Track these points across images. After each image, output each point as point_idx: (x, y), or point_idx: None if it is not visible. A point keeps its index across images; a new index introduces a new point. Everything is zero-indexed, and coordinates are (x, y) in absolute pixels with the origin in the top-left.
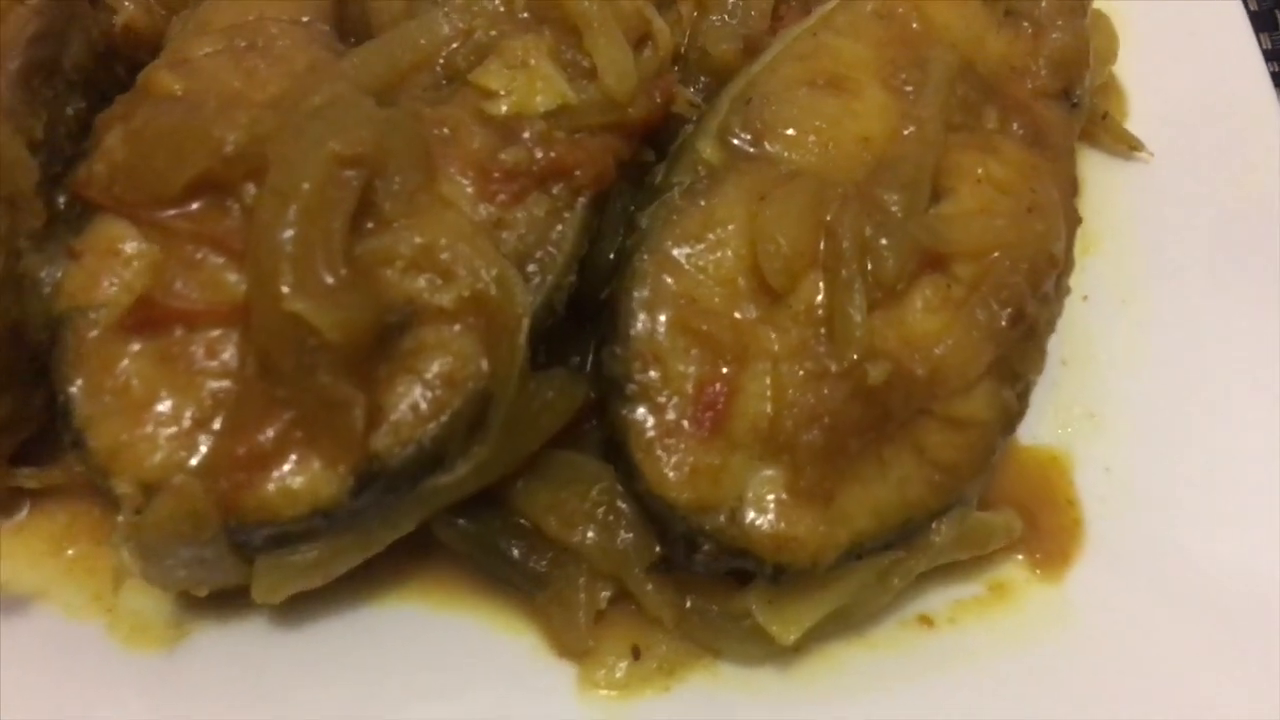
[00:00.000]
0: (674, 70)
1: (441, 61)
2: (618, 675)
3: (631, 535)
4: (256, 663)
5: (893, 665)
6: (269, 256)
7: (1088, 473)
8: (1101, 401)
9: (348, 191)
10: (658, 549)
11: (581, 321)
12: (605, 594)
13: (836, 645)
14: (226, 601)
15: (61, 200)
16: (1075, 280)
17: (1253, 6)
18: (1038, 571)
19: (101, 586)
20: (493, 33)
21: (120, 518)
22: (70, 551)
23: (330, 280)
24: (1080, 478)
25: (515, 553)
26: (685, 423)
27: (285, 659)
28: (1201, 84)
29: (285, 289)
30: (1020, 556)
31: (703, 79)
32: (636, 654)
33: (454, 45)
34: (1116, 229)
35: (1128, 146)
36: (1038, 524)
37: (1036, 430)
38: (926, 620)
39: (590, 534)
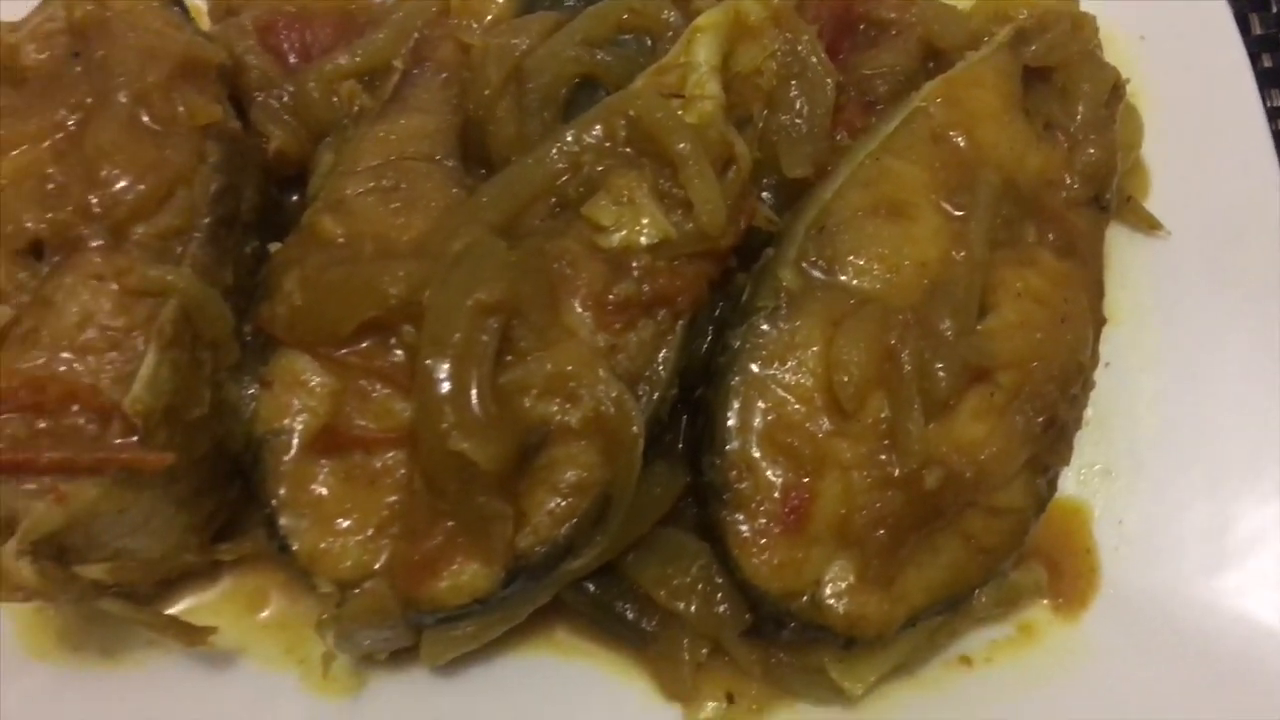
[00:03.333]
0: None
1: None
2: (715, 715)
3: (726, 605)
4: (422, 704)
5: (938, 702)
6: (432, 401)
7: (1104, 524)
8: (1118, 460)
9: (491, 335)
10: (748, 617)
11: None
12: (704, 650)
13: (893, 685)
14: (396, 655)
15: (246, 330)
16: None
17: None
18: (1059, 613)
19: (292, 641)
20: (599, 167)
21: (323, 615)
22: (264, 613)
23: (483, 418)
24: (1097, 529)
25: (629, 614)
26: (774, 524)
27: (445, 701)
28: (1215, 164)
29: (447, 428)
30: (1045, 601)
31: (772, 178)
32: (730, 699)
33: (565, 178)
34: (1136, 301)
35: (1148, 226)
36: (1060, 569)
37: (1060, 484)
38: (966, 660)
39: (693, 606)
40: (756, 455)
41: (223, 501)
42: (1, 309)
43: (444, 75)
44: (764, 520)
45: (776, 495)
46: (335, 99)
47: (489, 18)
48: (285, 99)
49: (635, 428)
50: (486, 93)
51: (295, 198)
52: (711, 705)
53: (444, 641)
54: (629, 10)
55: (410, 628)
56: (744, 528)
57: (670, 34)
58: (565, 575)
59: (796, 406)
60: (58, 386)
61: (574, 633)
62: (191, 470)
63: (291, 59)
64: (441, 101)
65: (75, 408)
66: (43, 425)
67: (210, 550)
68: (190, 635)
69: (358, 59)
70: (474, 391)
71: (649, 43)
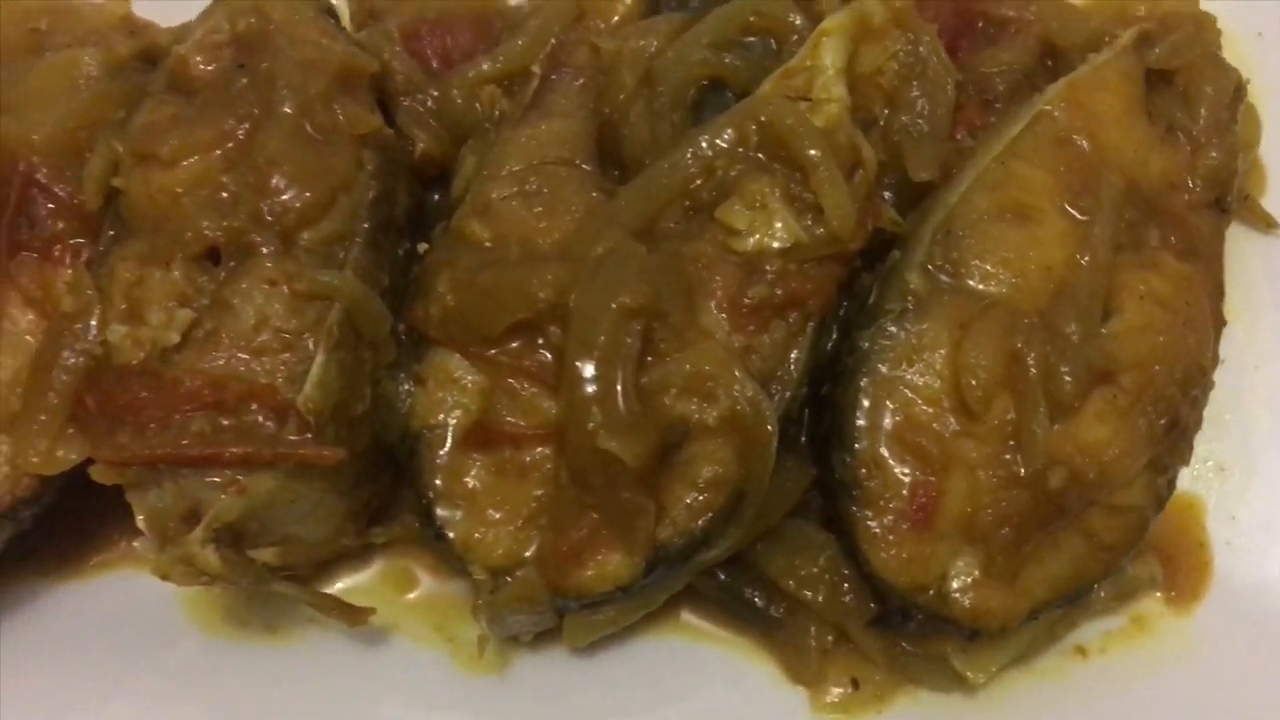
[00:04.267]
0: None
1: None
2: (840, 700)
3: (852, 595)
4: (561, 682)
5: (1054, 691)
6: (580, 401)
7: (1217, 519)
8: (1232, 456)
9: (635, 337)
10: (872, 606)
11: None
12: (829, 637)
13: (1012, 674)
14: (538, 636)
15: (400, 329)
16: None
17: None
18: (1171, 606)
19: (440, 620)
20: (732, 172)
21: (479, 600)
22: (412, 594)
23: (628, 417)
24: (1210, 523)
25: (757, 601)
26: (902, 521)
27: (583, 679)
28: None
29: (595, 427)
30: (1158, 594)
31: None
32: (855, 684)
33: (698, 182)
34: (1250, 298)
35: (1264, 224)
36: (1174, 563)
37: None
38: (1081, 651)
39: (820, 595)
40: (885, 454)
41: (377, 490)
42: (184, 312)
43: (580, 80)
44: (892, 517)
45: (905, 493)
46: (477, 104)
47: (615, 19)
48: (430, 104)
49: (770, 426)
50: (621, 97)
51: (436, 197)
52: (836, 690)
53: (585, 625)
54: (755, 13)
55: (554, 612)
56: (873, 524)
57: (795, 37)
58: (699, 564)
59: (924, 407)
60: (238, 386)
61: (702, 617)
62: (353, 462)
63: (433, 63)
64: (579, 105)
65: (254, 406)
66: (226, 422)
67: (365, 534)
68: (352, 615)
69: (499, 64)
70: (619, 391)
71: (773, 45)
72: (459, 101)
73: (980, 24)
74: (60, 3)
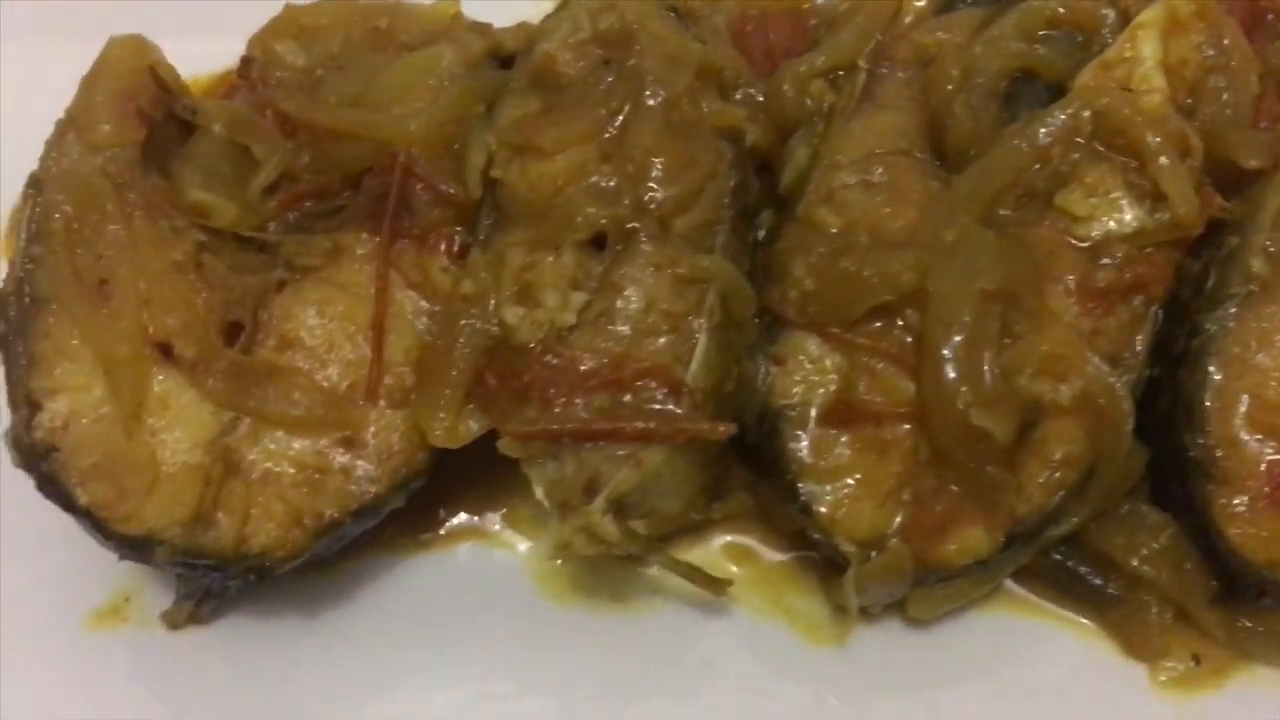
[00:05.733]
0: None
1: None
2: (1180, 675)
3: (1193, 573)
4: (902, 652)
5: None
6: (950, 380)
7: None
8: None
9: (995, 319)
10: (1214, 584)
11: None
12: (1169, 614)
13: None
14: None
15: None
16: None
17: None
18: None
19: (776, 594)
20: (1068, 160)
21: (850, 570)
22: (747, 569)
23: (996, 394)
24: None
25: (1095, 580)
26: (1259, 499)
27: (923, 650)
28: None
29: (966, 405)
30: None
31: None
32: (1197, 660)
33: (1035, 169)
34: None
35: None
36: None
37: None
38: None
39: (1163, 573)
40: (1241, 434)
41: (723, 467)
42: (578, 295)
43: (904, 73)
44: (1249, 495)
45: (1262, 471)
46: (806, 98)
47: (909, 17)
48: (758, 97)
49: (1126, 406)
50: (949, 88)
51: None
52: (1174, 665)
53: (934, 598)
54: (1065, 6)
55: (910, 584)
56: (1230, 502)
57: (1105, 30)
58: (1045, 541)
59: (1277, 387)
60: (635, 364)
61: (1032, 593)
62: (712, 440)
63: (754, 58)
64: (907, 98)
65: (652, 383)
66: (626, 399)
67: (708, 510)
68: (715, 585)
69: (828, 59)
70: (986, 371)
71: (1078, 38)
72: (789, 94)
73: (1270, 17)
74: (394, 4)
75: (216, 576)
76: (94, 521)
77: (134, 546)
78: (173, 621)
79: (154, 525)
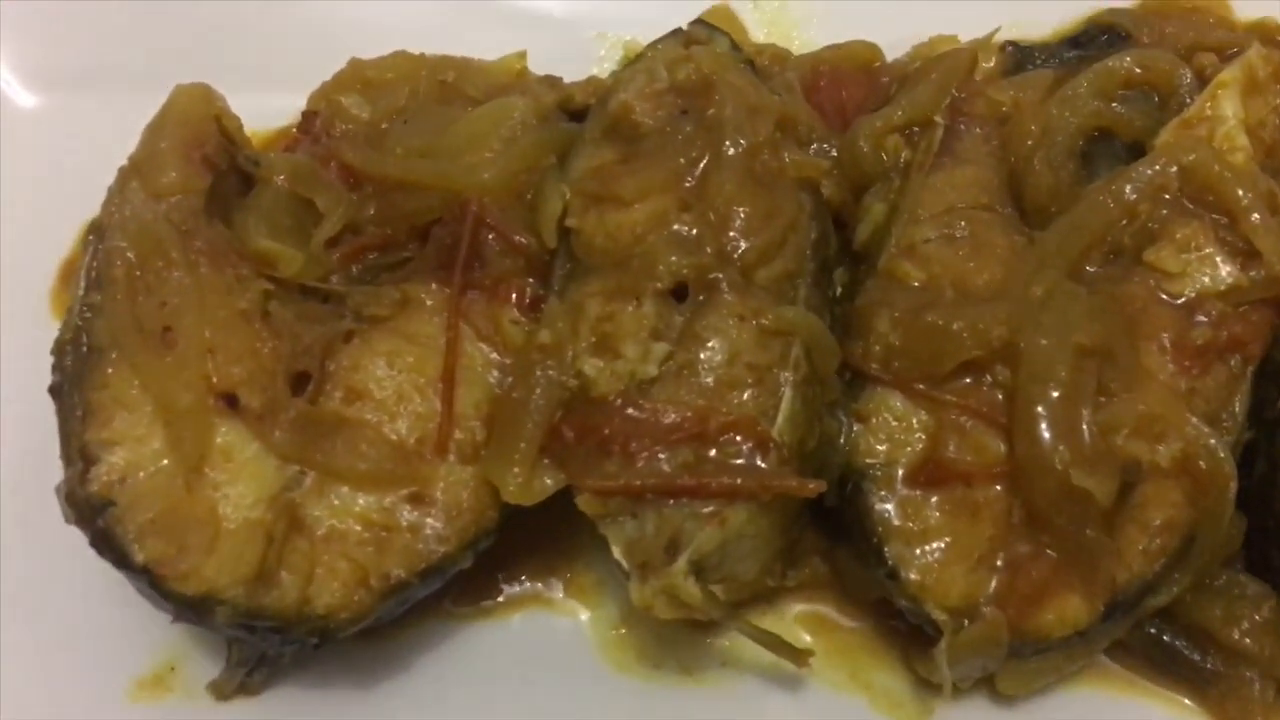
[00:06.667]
0: None
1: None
2: None
3: None
4: None
5: None
6: (1047, 439)
7: None
8: None
9: (1091, 376)
10: None
11: None
12: (1271, 692)
13: None
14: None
15: None
16: None
17: None
18: None
19: (854, 667)
20: (1156, 216)
21: (943, 641)
22: (823, 640)
23: (1095, 454)
24: None
25: (1192, 654)
26: None
27: None
28: None
29: (1065, 465)
30: None
31: None
32: None
33: (1123, 225)
34: None
35: None
36: None
37: None
38: None
39: (1266, 647)
40: None
41: (799, 531)
42: (660, 345)
43: (981, 129)
44: None
45: None
46: (882, 153)
47: (979, 77)
48: (832, 151)
49: (1229, 469)
50: (1029, 143)
51: None
52: None
53: (1025, 673)
54: (1140, 65)
55: (1002, 659)
56: None
57: (1182, 90)
58: (1143, 611)
59: None
60: (720, 417)
61: (1126, 668)
62: (796, 500)
63: (826, 114)
64: (986, 154)
65: (737, 437)
66: (711, 453)
67: (782, 577)
68: (797, 655)
69: (905, 113)
70: (1085, 429)
71: (1155, 98)
72: (864, 149)
73: None
74: (461, 59)
75: (275, 640)
76: (151, 580)
77: (193, 607)
78: (221, 692)
79: (215, 584)
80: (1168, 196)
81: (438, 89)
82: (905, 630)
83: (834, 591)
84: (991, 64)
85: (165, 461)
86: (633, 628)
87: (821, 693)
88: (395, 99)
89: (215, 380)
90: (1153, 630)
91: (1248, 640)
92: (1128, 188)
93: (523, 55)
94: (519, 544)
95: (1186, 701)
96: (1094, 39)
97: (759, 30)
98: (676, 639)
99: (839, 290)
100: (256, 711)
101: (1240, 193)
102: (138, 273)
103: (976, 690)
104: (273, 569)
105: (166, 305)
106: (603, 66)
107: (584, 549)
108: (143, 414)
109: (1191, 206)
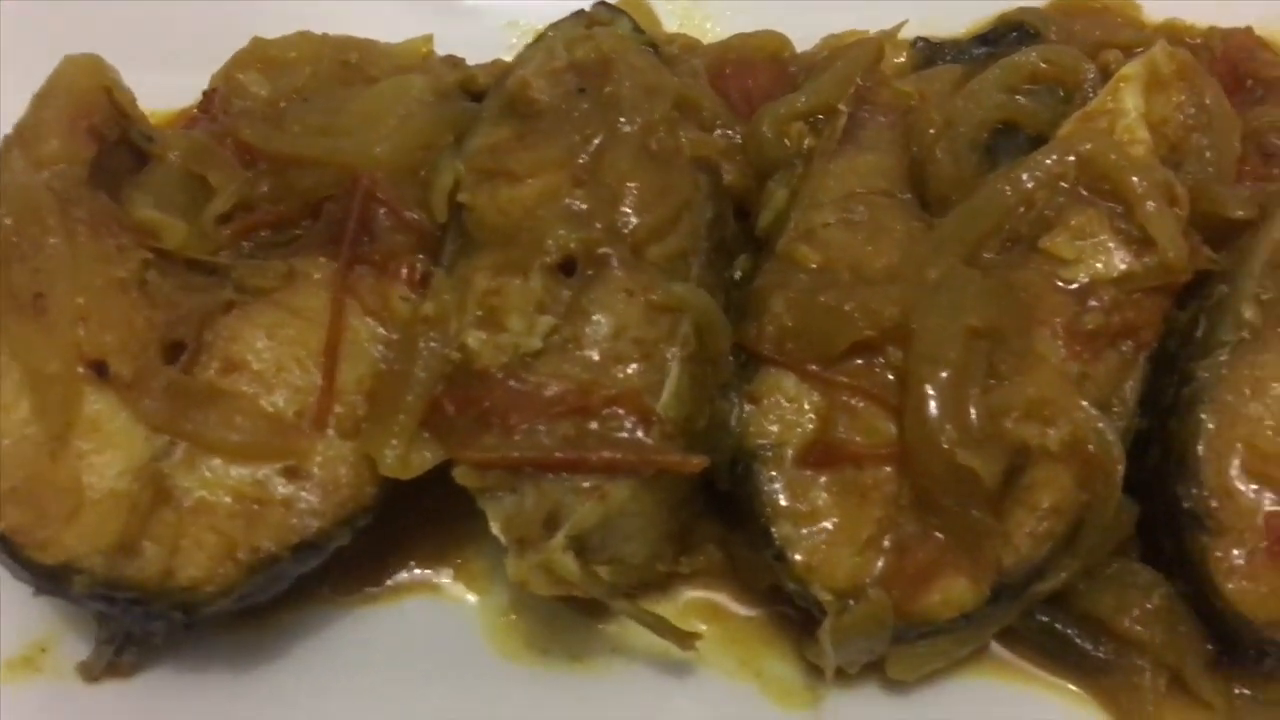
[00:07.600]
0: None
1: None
2: None
3: (1188, 635)
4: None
5: None
6: (934, 418)
7: None
8: None
9: (981, 357)
10: (1210, 648)
11: None
12: (1163, 680)
13: None
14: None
15: None
16: None
17: None
18: None
19: (745, 655)
20: (1053, 204)
21: (826, 621)
22: (714, 627)
23: (981, 434)
24: None
25: (1084, 643)
26: (1257, 552)
27: (896, 715)
28: None
29: (952, 445)
30: None
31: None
32: None
33: (1020, 213)
34: None
35: None
36: None
37: None
38: None
39: (1157, 635)
40: (1237, 484)
41: (690, 515)
42: (545, 319)
43: (885, 118)
44: (1247, 548)
45: (1259, 523)
46: (786, 139)
47: (888, 73)
48: (735, 139)
49: (1117, 453)
50: (931, 132)
51: None
52: None
53: (915, 657)
54: (1045, 60)
55: (889, 640)
56: (1226, 555)
57: (1087, 85)
58: (1030, 598)
59: (1271, 436)
60: (603, 391)
61: (1017, 656)
62: (683, 480)
63: (733, 103)
64: (889, 141)
65: (620, 411)
66: (592, 427)
67: (675, 563)
68: (683, 638)
69: (809, 101)
70: (972, 410)
71: (1060, 93)
72: (768, 135)
73: (1249, 83)
74: (365, 40)
75: (139, 613)
76: (9, 548)
77: (51, 576)
78: (89, 673)
79: (73, 553)
80: (1065, 185)
81: (340, 69)
82: (798, 618)
83: (730, 580)
84: (902, 59)
85: (31, 429)
86: (522, 614)
87: (711, 680)
88: (296, 78)
89: (85, 348)
90: (1045, 618)
91: (1139, 628)
92: (1025, 176)
93: (429, 39)
94: (410, 529)
95: (1079, 690)
96: (1003, 36)
97: (672, 22)
98: (567, 626)
99: (739, 275)
100: (129, 695)
101: (1135, 180)
102: (13, 239)
103: (867, 679)
104: (136, 539)
105: (40, 272)
106: (513, 55)
107: (476, 535)
108: (9, 381)
109: (1088, 195)
